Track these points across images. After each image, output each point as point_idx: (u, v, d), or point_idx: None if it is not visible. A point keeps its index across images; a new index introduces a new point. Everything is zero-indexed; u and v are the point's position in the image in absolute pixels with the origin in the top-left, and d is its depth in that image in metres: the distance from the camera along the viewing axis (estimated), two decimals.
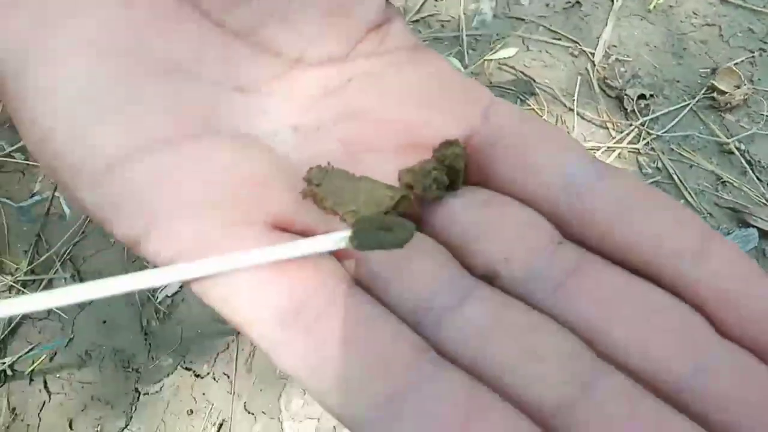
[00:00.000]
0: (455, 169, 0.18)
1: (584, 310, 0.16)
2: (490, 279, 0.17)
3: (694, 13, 0.77)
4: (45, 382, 0.63)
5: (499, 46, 0.75)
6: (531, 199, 0.18)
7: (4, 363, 0.61)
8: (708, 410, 0.14)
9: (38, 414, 0.59)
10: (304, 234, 0.17)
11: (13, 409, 0.60)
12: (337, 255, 0.17)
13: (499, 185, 0.18)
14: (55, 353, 0.63)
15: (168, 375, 0.61)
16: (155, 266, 0.16)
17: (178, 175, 0.16)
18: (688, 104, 0.69)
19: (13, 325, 0.63)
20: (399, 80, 0.20)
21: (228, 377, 0.59)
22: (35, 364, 0.63)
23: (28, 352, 0.63)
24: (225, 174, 0.17)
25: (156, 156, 0.16)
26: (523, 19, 0.78)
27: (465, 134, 0.19)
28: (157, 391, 0.61)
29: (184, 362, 0.61)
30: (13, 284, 0.64)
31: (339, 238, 0.17)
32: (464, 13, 0.78)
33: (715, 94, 0.69)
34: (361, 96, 0.20)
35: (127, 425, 0.58)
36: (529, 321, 0.15)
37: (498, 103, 0.19)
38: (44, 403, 0.61)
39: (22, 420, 0.59)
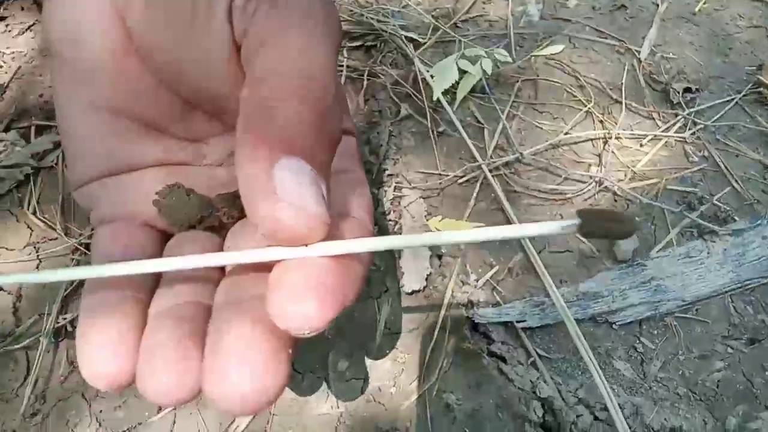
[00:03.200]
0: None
1: None
2: None
3: (740, 16, 0.79)
4: None
5: (546, 43, 0.78)
6: None
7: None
8: None
9: None
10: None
11: None
12: None
13: None
14: None
15: None
16: None
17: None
18: (734, 98, 0.70)
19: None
20: None
21: None
22: None
23: None
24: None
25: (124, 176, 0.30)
26: (569, 20, 0.81)
27: None
28: None
29: None
30: (78, 246, 0.68)
31: (568, 224, 0.21)
32: (512, 14, 0.82)
33: (761, 89, 0.70)
34: None
35: None
36: None
37: None
38: None
39: None
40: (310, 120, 0.21)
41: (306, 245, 0.21)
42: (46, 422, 0.52)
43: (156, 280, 0.27)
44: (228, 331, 0.21)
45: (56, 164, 0.66)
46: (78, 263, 0.69)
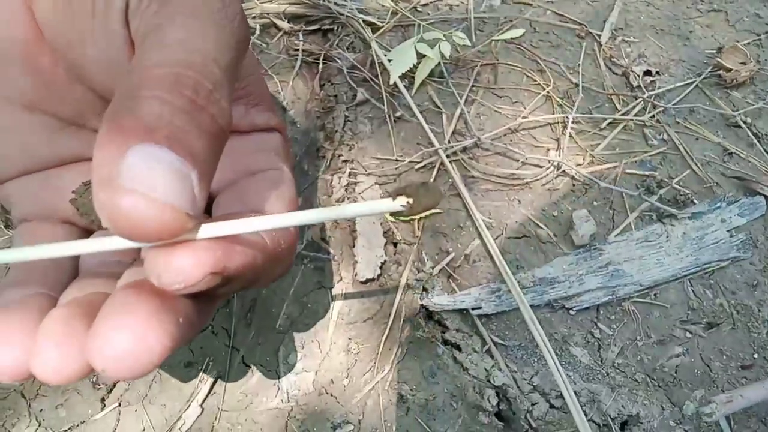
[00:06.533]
0: None
1: None
2: None
3: (701, 0, 0.78)
4: None
5: (506, 27, 0.76)
6: None
7: None
8: None
9: None
10: None
11: None
12: None
13: None
14: None
15: None
16: None
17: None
18: (694, 81, 0.70)
19: None
20: None
21: (227, 331, 0.59)
22: None
23: None
24: None
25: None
26: (530, 4, 0.79)
27: None
28: None
29: None
30: None
31: (391, 204, 0.22)
32: None
33: (721, 72, 0.69)
34: None
35: None
36: None
37: None
38: None
39: None
40: (180, 107, 0.20)
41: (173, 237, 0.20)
42: None
43: (69, 279, 0.27)
44: (112, 299, 0.21)
45: None
46: None
